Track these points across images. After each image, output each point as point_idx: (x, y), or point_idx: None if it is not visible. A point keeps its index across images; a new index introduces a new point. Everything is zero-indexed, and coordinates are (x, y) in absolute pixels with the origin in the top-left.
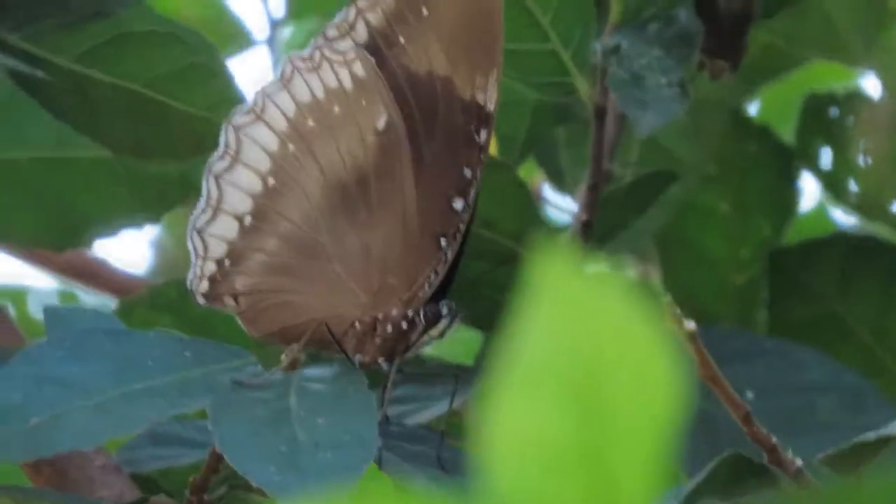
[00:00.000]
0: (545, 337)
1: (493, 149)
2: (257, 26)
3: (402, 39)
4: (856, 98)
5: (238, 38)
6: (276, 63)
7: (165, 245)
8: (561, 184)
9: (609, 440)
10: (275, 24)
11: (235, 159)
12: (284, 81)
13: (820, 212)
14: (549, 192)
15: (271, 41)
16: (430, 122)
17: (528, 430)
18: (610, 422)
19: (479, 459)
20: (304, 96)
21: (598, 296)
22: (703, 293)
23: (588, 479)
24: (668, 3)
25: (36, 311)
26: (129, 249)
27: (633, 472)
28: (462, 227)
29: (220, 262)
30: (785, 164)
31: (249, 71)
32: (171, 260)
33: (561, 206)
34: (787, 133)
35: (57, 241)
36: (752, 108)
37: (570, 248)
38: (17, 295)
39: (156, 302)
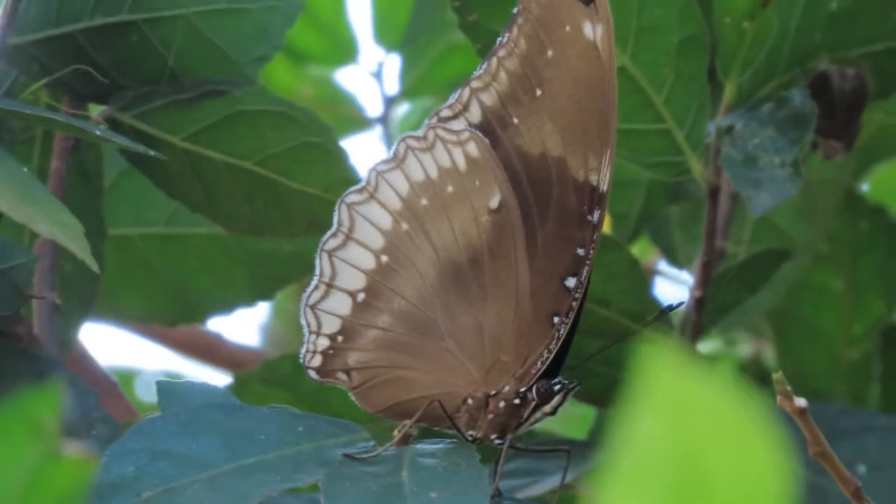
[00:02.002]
0: (652, 431)
1: (606, 226)
2: (371, 104)
3: (515, 120)
4: None
5: (352, 117)
6: (389, 141)
7: (275, 324)
8: (674, 260)
9: None
10: (388, 103)
11: (349, 237)
12: (398, 160)
13: None
14: (663, 266)
15: (385, 119)
16: (544, 202)
17: None
18: None
19: None
20: (418, 175)
21: (703, 396)
22: (817, 369)
23: None
24: (781, 85)
25: (143, 394)
26: (240, 326)
27: None
28: (575, 304)
29: (332, 338)
30: None
31: (363, 148)
32: (281, 337)
33: (676, 279)
34: None
35: (170, 318)
36: (864, 186)
37: (674, 347)
38: (126, 377)
39: (270, 377)
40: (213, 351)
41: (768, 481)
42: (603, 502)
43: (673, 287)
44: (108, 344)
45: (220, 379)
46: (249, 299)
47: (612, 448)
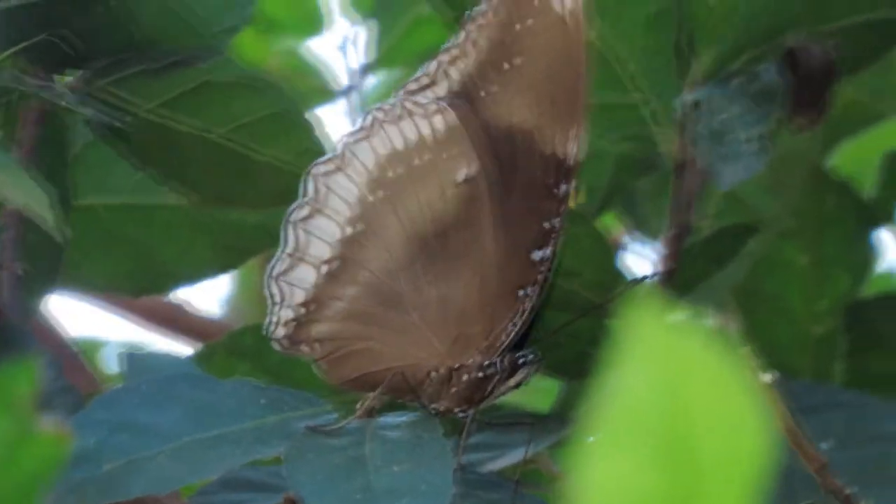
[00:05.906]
0: (636, 388)
1: (579, 198)
2: (338, 77)
3: (484, 93)
4: None
5: (321, 88)
6: (357, 112)
7: (238, 295)
8: (643, 234)
9: (699, 491)
10: (355, 75)
11: (315, 208)
12: (366, 132)
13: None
14: (630, 240)
15: (353, 91)
16: (511, 175)
17: (618, 480)
18: (700, 473)
19: None
20: (386, 147)
21: (689, 348)
22: (782, 345)
23: None
24: (751, 59)
25: (109, 365)
26: (203, 296)
27: None
28: (541, 278)
29: (297, 309)
30: (863, 218)
31: (330, 120)
32: (244, 308)
33: (643, 254)
34: (866, 187)
35: (135, 288)
36: (831, 162)
37: (659, 301)
38: (92, 348)
39: (234, 348)
40: (178, 321)
41: (753, 437)
42: (585, 455)
43: (640, 261)
44: (74, 315)
45: (184, 350)
46: (214, 270)
47: (595, 400)
